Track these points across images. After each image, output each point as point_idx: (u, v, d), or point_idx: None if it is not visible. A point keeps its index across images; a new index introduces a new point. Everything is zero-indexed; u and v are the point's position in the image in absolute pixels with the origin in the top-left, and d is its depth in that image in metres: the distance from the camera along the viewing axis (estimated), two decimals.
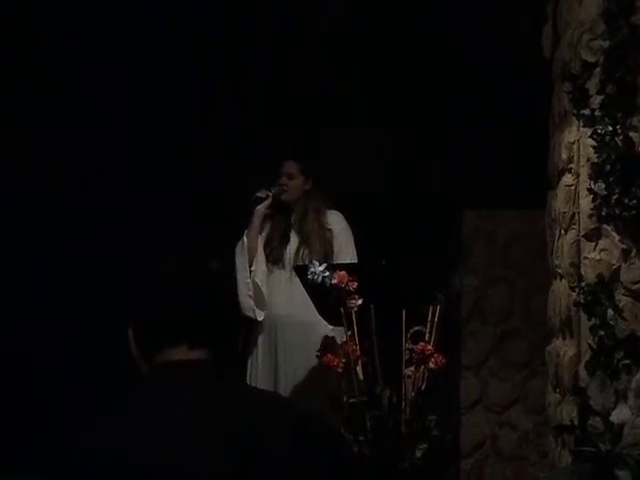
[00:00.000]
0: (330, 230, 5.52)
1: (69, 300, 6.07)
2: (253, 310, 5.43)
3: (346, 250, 5.48)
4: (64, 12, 6.13)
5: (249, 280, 5.45)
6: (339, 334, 5.25)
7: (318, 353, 5.20)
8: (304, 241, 5.50)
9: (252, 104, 6.32)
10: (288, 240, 5.57)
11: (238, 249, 5.52)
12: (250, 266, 5.51)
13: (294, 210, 5.59)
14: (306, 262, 5.34)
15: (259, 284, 5.49)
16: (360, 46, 6.24)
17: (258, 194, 5.55)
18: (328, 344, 5.23)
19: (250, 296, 5.42)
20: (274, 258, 5.56)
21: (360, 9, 6.24)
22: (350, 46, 6.26)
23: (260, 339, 5.53)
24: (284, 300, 5.49)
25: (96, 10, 6.15)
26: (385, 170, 6.26)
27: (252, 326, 5.49)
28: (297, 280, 5.29)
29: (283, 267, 5.54)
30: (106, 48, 6.17)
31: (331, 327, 5.30)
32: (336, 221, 5.55)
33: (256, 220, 5.55)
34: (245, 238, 5.53)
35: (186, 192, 6.24)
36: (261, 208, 5.55)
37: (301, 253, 5.49)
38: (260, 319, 5.48)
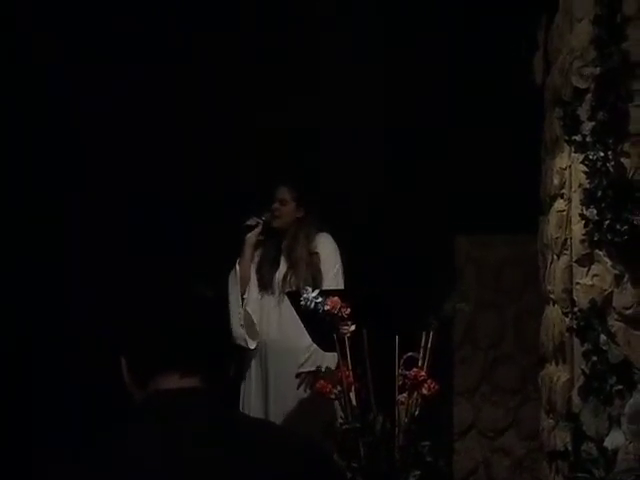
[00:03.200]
0: (317, 254, 5.52)
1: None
2: (245, 339, 5.43)
3: (330, 272, 5.47)
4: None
5: (241, 310, 5.45)
6: (330, 360, 5.25)
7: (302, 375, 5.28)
8: (292, 267, 5.50)
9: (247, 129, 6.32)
10: (278, 266, 5.57)
11: (231, 278, 5.52)
12: (243, 294, 5.51)
13: (285, 236, 5.59)
14: (294, 288, 5.34)
15: (251, 313, 5.48)
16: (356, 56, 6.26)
17: (248, 222, 5.54)
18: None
19: (242, 325, 5.42)
20: (264, 283, 5.56)
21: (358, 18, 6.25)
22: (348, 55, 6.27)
23: (252, 364, 5.53)
24: (273, 325, 5.49)
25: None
26: (377, 196, 6.27)
27: (245, 352, 5.48)
28: (286, 305, 5.29)
29: (272, 293, 5.53)
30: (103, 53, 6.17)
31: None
32: (323, 243, 5.55)
33: (247, 248, 5.55)
34: (237, 267, 5.53)
35: (179, 217, 6.23)
36: (252, 236, 5.55)
37: (289, 279, 5.49)
38: (252, 347, 5.47)
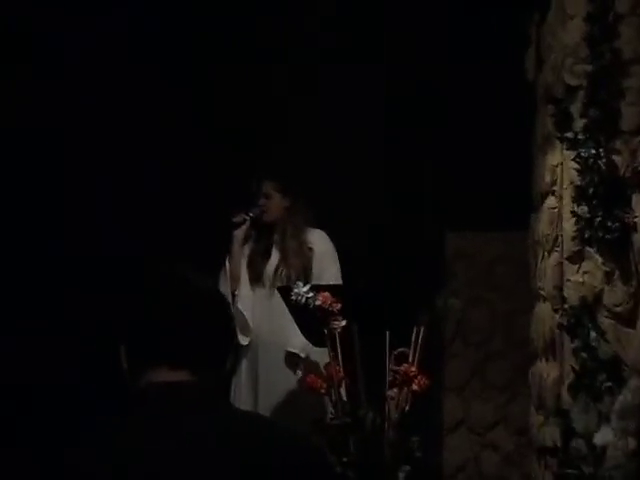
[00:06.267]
0: (311, 249, 5.51)
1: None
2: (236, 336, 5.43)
3: (329, 270, 5.47)
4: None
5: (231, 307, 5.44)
6: (321, 355, 5.26)
7: (300, 371, 5.27)
8: (283, 259, 5.50)
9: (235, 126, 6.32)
10: (269, 258, 5.57)
11: (221, 276, 5.52)
12: (234, 292, 5.51)
13: (276, 228, 5.60)
14: (284, 280, 5.35)
15: (241, 310, 5.48)
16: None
17: (234, 219, 5.54)
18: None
19: None
20: (255, 276, 5.55)
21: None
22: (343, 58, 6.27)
23: (243, 358, 5.53)
24: (264, 319, 5.49)
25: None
26: (369, 192, 6.27)
27: (237, 345, 5.48)
28: (276, 299, 5.28)
29: (263, 286, 5.53)
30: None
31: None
32: (319, 240, 5.54)
33: (236, 246, 5.55)
34: (227, 264, 5.53)
35: (173, 210, 6.23)
36: (239, 233, 5.55)
37: (279, 272, 5.49)
38: (244, 344, 5.48)
